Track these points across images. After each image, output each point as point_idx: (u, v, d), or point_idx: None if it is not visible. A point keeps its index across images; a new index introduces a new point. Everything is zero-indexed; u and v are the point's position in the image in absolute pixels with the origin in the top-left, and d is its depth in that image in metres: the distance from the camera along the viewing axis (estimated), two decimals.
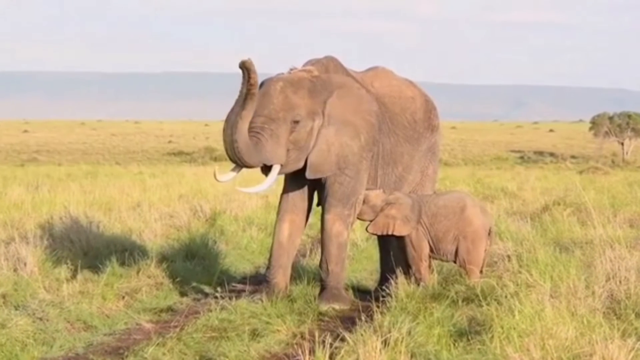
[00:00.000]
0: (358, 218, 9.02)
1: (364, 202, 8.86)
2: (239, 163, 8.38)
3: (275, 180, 8.63)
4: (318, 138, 8.66)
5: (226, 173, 8.68)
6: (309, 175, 8.67)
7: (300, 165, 8.66)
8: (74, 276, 9.39)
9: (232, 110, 8.27)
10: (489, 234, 8.83)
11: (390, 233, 8.84)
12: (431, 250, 8.84)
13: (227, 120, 8.26)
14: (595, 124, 54.81)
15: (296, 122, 8.50)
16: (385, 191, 8.93)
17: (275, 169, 8.53)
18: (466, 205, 8.81)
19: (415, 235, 8.80)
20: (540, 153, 56.53)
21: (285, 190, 8.99)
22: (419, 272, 8.76)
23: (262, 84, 8.54)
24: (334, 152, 8.70)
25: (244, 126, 8.21)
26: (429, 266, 8.90)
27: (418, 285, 8.42)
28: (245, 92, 8.13)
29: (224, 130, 8.26)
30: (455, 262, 8.87)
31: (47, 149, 57.03)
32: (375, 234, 9.12)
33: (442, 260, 8.99)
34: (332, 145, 8.70)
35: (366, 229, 9.09)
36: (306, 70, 8.78)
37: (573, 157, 52.73)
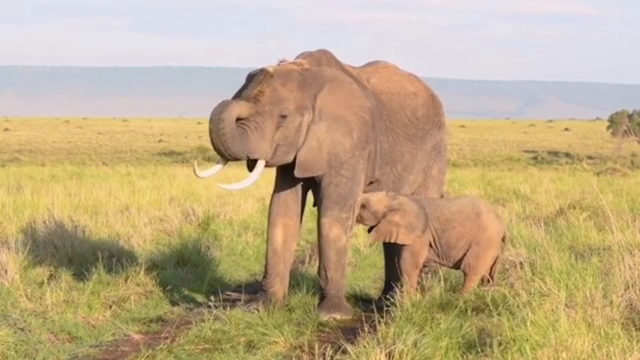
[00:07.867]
0: (359, 223, 9.00)
1: (364, 207, 8.81)
2: (223, 151, 8.37)
3: (259, 176, 8.63)
4: (308, 134, 8.66)
5: (207, 169, 8.72)
6: (297, 174, 8.67)
7: (289, 159, 8.66)
8: (58, 284, 9.39)
9: (224, 100, 8.41)
10: (503, 240, 8.82)
11: (393, 241, 8.80)
12: (438, 256, 8.83)
13: (216, 107, 8.36)
14: (613, 122, 54.94)
15: (283, 116, 8.51)
16: (388, 194, 8.87)
17: (260, 164, 8.54)
18: (481, 210, 8.78)
19: (419, 241, 8.77)
20: (555, 153, 56.58)
21: (277, 192, 8.98)
22: (409, 279, 8.65)
23: (251, 76, 8.59)
24: (325, 150, 8.69)
25: (233, 112, 8.29)
26: (436, 274, 8.88)
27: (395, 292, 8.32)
28: (252, 94, 8.30)
29: (211, 115, 8.33)
30: (459, 267, 8.84)
31: (30, 149, 57.10)
32: (377, 242, 9.07)
33: (447, 266, 8.95)
34: (324, 143, 8.69)
35: (368, 238, 9.04)
36: (296, 63, 8.79)
37: (590, 157, 52.74)
